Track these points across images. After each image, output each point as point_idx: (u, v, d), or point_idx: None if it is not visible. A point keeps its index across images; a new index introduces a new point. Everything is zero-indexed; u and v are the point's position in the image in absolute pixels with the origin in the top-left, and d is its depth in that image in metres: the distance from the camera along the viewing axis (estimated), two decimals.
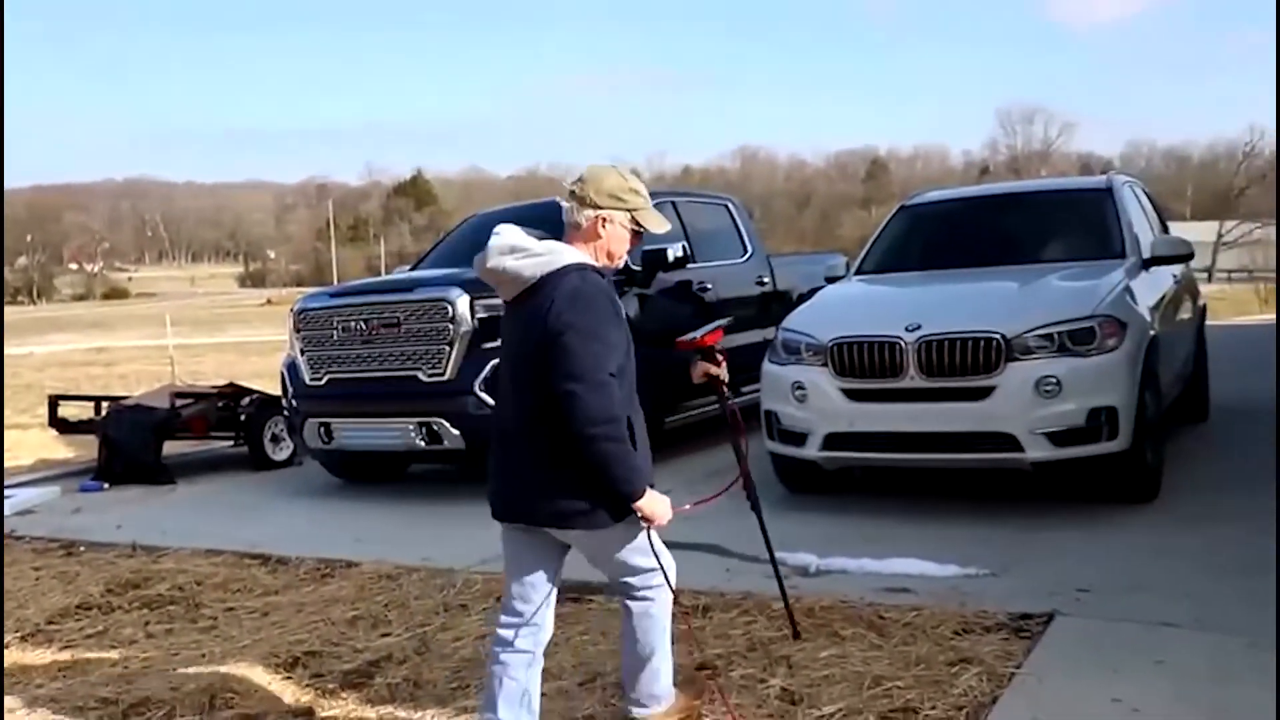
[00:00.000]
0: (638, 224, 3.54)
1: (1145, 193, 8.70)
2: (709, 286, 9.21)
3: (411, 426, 7.53)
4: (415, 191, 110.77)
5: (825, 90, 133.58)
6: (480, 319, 7.42)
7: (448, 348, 7.41)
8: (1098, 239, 7.29)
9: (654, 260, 8.40)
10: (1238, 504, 6.28)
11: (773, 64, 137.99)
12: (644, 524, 3.48)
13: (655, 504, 3.44)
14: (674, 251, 8.43)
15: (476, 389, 7.32)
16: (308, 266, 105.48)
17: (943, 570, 5.23)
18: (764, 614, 4.82)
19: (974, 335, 5.94)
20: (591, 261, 3.45)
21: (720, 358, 4.31)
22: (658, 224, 3.59)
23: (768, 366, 6.80)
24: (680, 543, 6.17)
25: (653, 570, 3.63)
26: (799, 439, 6.50)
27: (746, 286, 9.79)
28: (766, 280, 10.03)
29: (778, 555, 5.67)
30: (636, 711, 3.83)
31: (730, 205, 10.32)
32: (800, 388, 6.44)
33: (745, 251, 10.02)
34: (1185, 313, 8.14)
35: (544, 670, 4.39)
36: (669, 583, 3.64)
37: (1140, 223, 7.69)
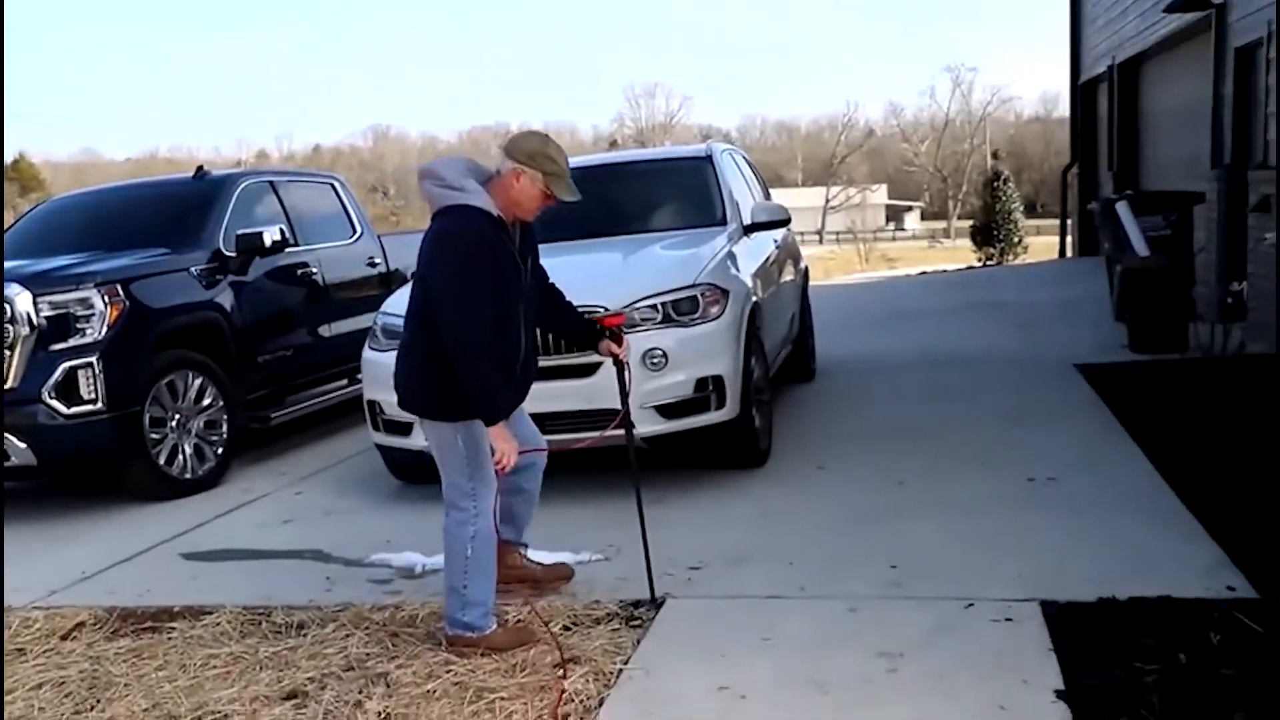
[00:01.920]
0: (548, 189, 3.98)
1: (746, 160, 8.85)
2: (314, 270, 8.65)
3: None
4: (19, 176, 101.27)
5: (455, 70, 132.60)
6: (47, 318, 6.56)
7: (8, 352, 6.51)
8: (699, 207, 7.29)
9: (249, 245, 7.76)
10: (840, 464, 6.43)
11: (401, 43, 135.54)
12: (460, 442, 4.06)
13: (502, 440, 3.98)
14: (270, 235, 7.82)
15: (45, 396, 6.48)
16: None
17: (554, 558, 5.00)
18: (362, 628, 4.42)
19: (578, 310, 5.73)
20: (489, 207, 3.92)
21: (624, 338, 4.60)
22: (566, 193, 4.02)
23: (368, 354, 6.37)
24: (280, 550, 5.71)
25: (461, 490, 4.11)
26: (404, 429, 6.10)
27: (356, 268, 9.29)
28: (379, 261, 9.55)
29: (381, 557, 5.37)
30: (447, 629, 4.18)
31: (336, 184, 9.76)
32: None
33: (354, 232, 9.49)
34: (788, 276, 8.33)
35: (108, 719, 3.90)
36: (479, 512, 4.10)
37: (741, 190, 7.78)
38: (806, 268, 9.59)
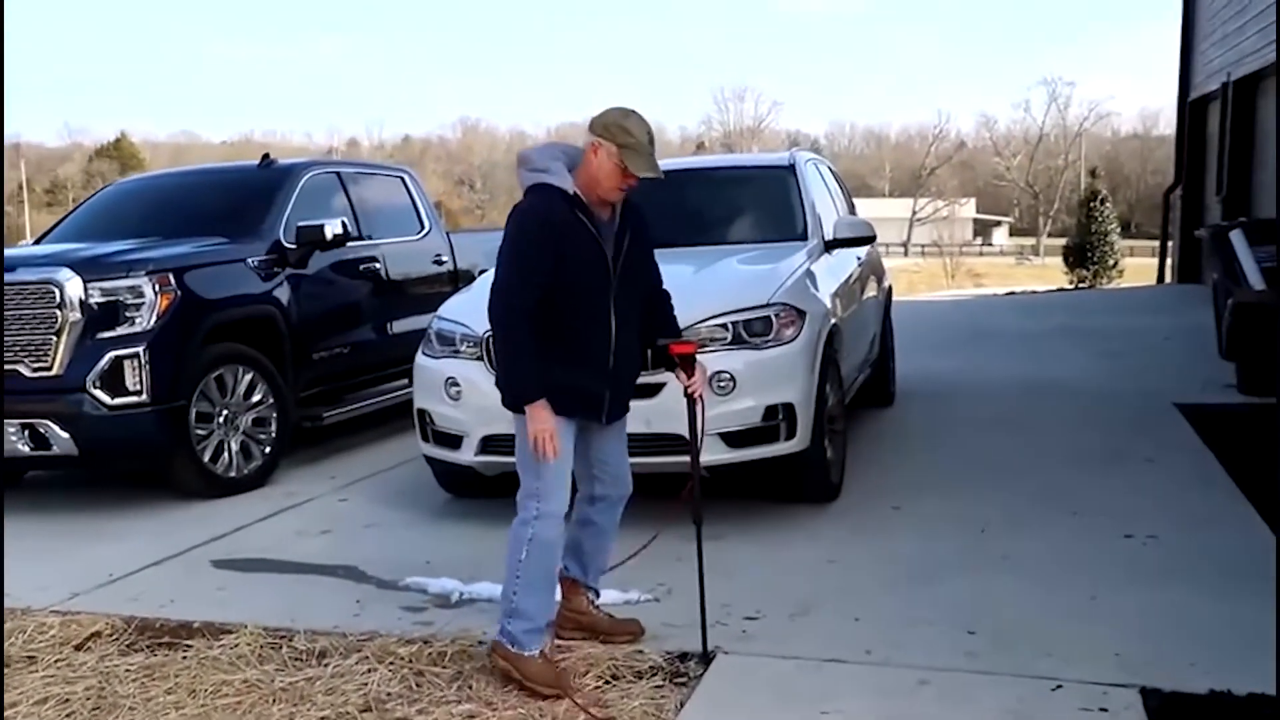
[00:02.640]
0: (623, 163, 3.72)
1: (831, 171, 8.39)
2: (378, 265, 8.36)
3: (13, 429, 6.36)
4: (119, 154, 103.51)
5: (546, 65, 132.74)
6: (96, 304, 6.34)
7: (55, 338, 6.29)
8: (779, 220, 6.86)
9: (310, 237, 7.49)
10: (917, 503, 5.97)
11: (494, 38, 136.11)
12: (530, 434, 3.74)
13: (535, 421, 3.70)
14: (332, 228, 7.54)
15: (90, 386, 6.25)
16: None
17: (624, 599, 4.61)
18: (385, 663, 4.07)
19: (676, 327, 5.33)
20: (566, 185, 3.75)
21: (696, 367, 4.14)
22: (641, 167, 3.75)
23: (420, 360, 6.04)
24: (313, 565, 5.38)
25: (528, 490, 3.84)
26: (454, 441, 5.78)
27: (422, 265, 9.00)
28: (446, 259, 9.25)
29: (416, 580, 5.01)
30: (498, 633, 3.91)
31: (406, 177, 9.47)
32: (454, 384, 5.71)
33: (422, 227, 9.20)
34: (870, 296, 7.86)
35: None
36: (539, 515, 3.81)
37: (824, 203, 7.33)
38: (890, 286, 9.11)
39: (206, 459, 6.64)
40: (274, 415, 7.03)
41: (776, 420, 5.46)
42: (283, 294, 7.31)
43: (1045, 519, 5.59)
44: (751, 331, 5.49)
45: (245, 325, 7.01)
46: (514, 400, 3.78)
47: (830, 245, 6.75)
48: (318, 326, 7.62)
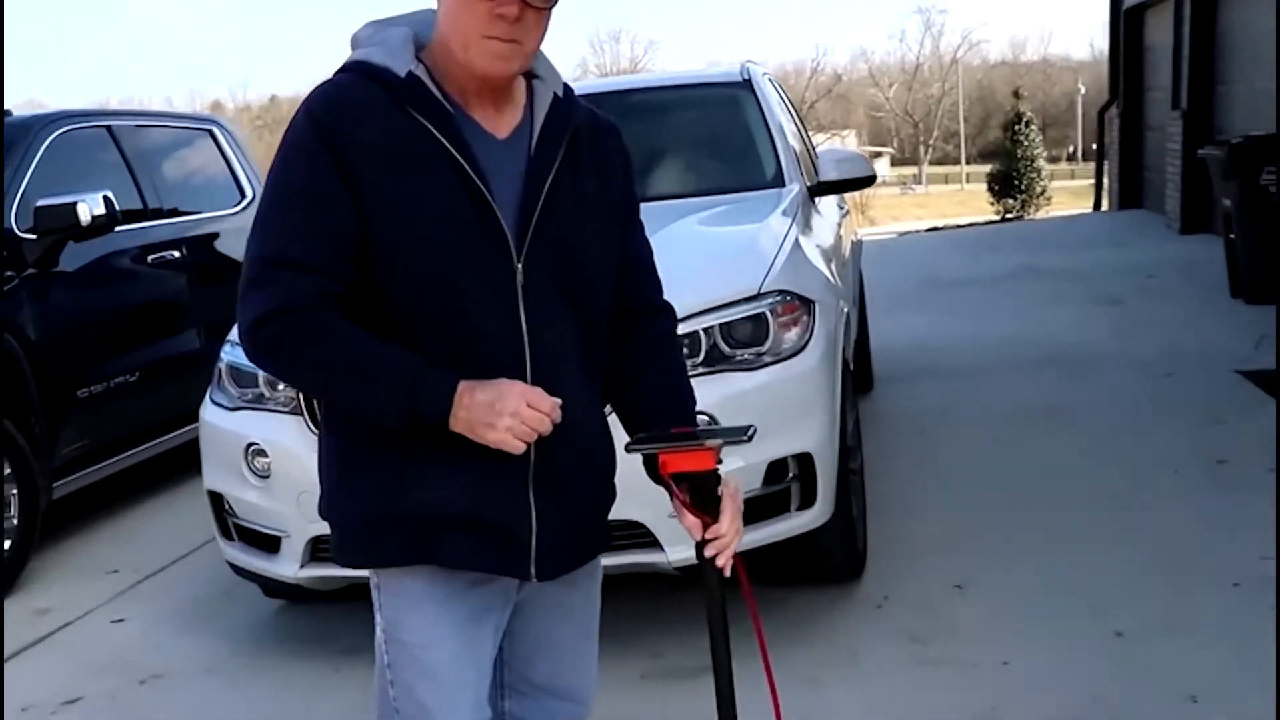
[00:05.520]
0: None
1: (782, 91, 6.28)
2: (176, 255, 6.08)
3: None
4: None
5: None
6: None
7: None
8: (743, 160, 4.75)
9: (57, 222, 5.16)
10: (987, 582, 3.97)
11: None
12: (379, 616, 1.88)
13: (481, 409, 1.68)
14: (89, 207, 5.22)
15: None
16: None
17: None
18: None
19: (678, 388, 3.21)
20: (393, 63, 1.77)
21: (725, 497, 1.85)
22: None
23: (207, 414, 3.82)
24: None
25: (385, 708, 1.90)
26: (269, 544, 3.60)
27: (244, 246, 6.68)
28: None
29: None
30: None
31: (217, 130, 7.11)
32: (260, 454, 3.54)
33: (242, 197, 6.89)
34: (850, 256, 5.81)
35: None
36: None
37: (792, 134, 5.24)
38: (861, 240, 7.09)
39: None
40: (14, 493, 4.74)
41: (784, 481, 3.40)
42: (19, 309, 5.00)
43: (1199, 598, 3.64)
44: (736, 340, 3.42)
45: None
46: (402, 419, 1.72)
47: (815, 191, 4.68)
48: (82, 351, 5.31)
